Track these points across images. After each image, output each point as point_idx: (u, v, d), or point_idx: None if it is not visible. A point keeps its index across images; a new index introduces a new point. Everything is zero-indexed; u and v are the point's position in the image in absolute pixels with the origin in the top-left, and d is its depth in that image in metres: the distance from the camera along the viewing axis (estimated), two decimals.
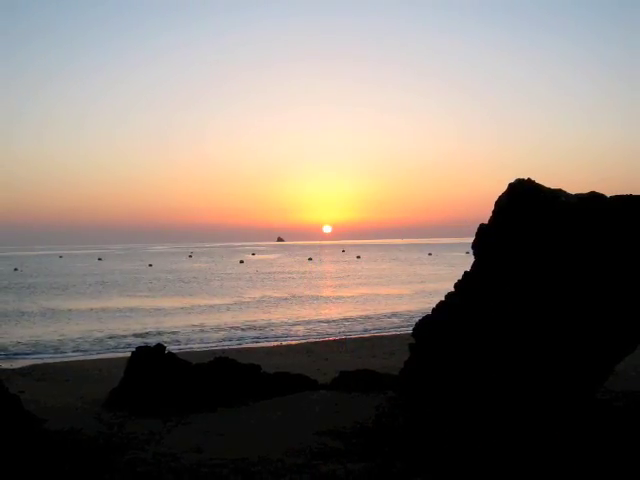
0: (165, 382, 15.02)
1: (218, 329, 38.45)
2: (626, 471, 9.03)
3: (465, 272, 13.02)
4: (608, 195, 12.18)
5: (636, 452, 9.77)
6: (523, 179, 12.59)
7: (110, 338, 34.94)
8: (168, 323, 41.39)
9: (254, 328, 38.83)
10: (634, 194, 12.01)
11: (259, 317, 44.39)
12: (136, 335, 35.62)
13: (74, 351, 31.06)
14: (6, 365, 24.70)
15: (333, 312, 47.67)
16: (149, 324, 40.88)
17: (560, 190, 12.52)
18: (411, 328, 13.89)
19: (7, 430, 9.98)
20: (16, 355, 29.62)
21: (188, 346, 31.86)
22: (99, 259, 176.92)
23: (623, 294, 11.66)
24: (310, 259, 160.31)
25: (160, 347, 16.19)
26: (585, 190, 12.36)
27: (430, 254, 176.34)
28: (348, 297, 59.70)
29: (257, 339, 34.60)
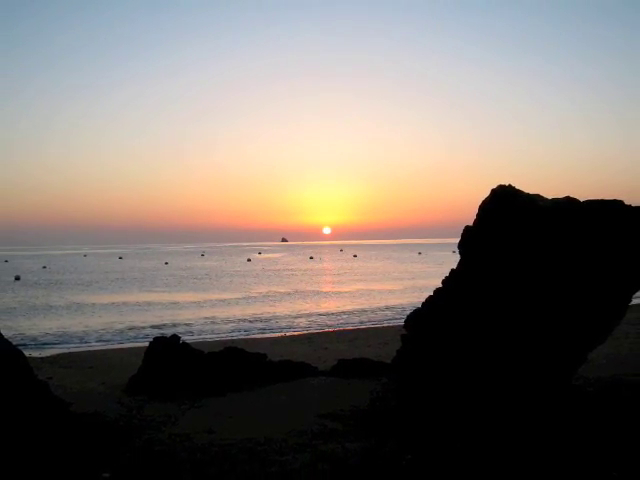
0: (180, 369, 15.03)
1: (228, 321, 38.46)
2: (595, 448, 9.03)
3: (452, 269, 13.01)
4: (582, 199, 12.17)
5: (605, 432, 9.79)
6: (504, 185, 12.58)
7: (130, 329, 34.95)
8: (182, 316, 41.41)
9: (260, 320, 38.84)
10: (605, 199, 12.00)
11: (265, 310, 44.41)
12: (153, 326, 35.62)
13: (97, 341, 31.06)
14: (36, 354, 24.70)
15: (332, 306, 47.68)
16: (165, 316, 40.90)
17: (538, 195, 12.51)
18: (403, 320, 13.88)
19: (37, 412, 9.99)
20: (45, 345, 29.64)
21: (201, 337, 31.85)
22: (120, 258, 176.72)
23: (595, 290, 11.66)
24: (311, 258, 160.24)
25: (175, 337, 16.20)
26: (561, 195, 12.36)
27: (420, 253, 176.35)
28: (345, 292, 59.73)
29: (263, 330, 34.60)
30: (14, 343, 11.37)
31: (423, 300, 13.23)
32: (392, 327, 30.38)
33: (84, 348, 28.22)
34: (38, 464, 8.73)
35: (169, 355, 15.43)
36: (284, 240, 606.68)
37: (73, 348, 28.19)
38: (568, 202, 12.09)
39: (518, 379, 11.48)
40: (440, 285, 13.05)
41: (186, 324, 36.89)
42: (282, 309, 45.23)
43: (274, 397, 13.89)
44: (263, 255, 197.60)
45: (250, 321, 38.48)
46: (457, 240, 12.97)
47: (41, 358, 22.95)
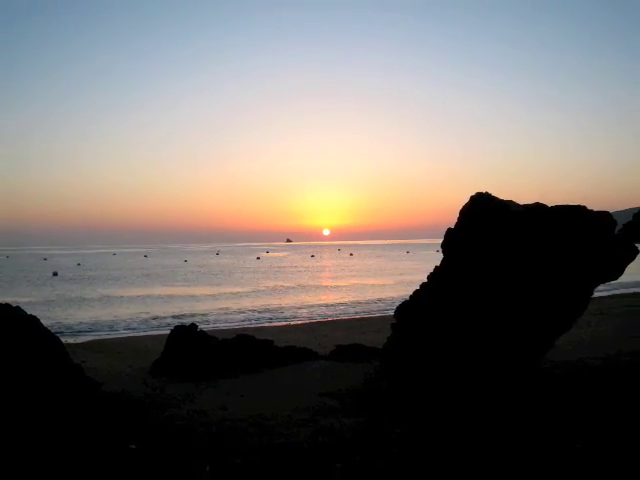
0: (197, 354, 15.03)
1: (239, 312, 38.44)
2: (561, 422, 9.05)
3: (436, 266, 13.02)
4: (549, 205, 12.18)
5: (570, 408, 9.79)
6: (482, 192, 12.59)
7: (154, 319, 34.94)
8: (200, 307, 41.39)
9: (268, 311, 38.82)
10: (569, 204, 12.02)
11: (272, 302, 44.38)
12: (174, 316, 35.59)
13: (125, 329, 31.08)
14: (71, 340, 24.67)
15: (331, 298, 47.64)
16: (184, 308, 40.88)
17: (511, 201, 12.52)
18: (393, 311, 13.88)
19: (73, 392, 10.01)
20: (79, 332, 29.65)
21: (216, 325, 31.82)
22: (145, 256, 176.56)
23: (560, 284, 11.67)
24: (312, 256, 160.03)
25: (193, 326, 16.20)
26: (531, 201, 12.37)
27: (408, 252, 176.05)
28: (343, 286, 59.67)
29: (270, 320, 34.57)
30: (52, 331, 11.38)
31: (411, 293, 13.24)
32: (383, 317, 30.32)
33: (113, 335, 28.23)
34: (73, 436, 8.74)
35: (188, 341, 15.43)
36: (289, 241, 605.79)
37: (104, 335, 28.22)
38: (537, 207, 12.10)
39: (493, 362, 11.49)
40: (425, 280, 13.07)
41: (203, 314, 36.87)
42: (287, 301, 45.20)
43: (280, 378, 13.89)
44: (270, 254, 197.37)
45: (259, 312, 38.45)
46: (441, 240, 12.98)
47: (76, 344, 22.93)
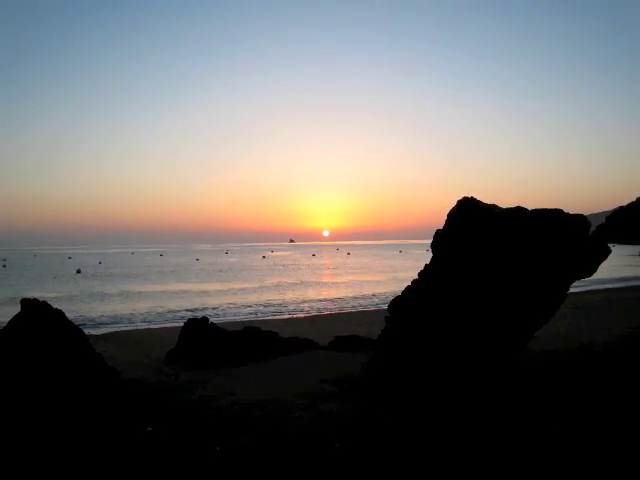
0: (208, 344, 15.05)
1: (246, 306, 38.45)
2: (541, 408, 9.05)
3: (426, 264, 13.01)
4: (529, 208, 12.17)
5: (549, 395, 9.80)
6: (468, 197, 12.58)
7: (168, 312, 34.96)
8: (210, 301, 41.39)
9: (273, 305, 38.83)
10: (548, 208, 12.01)
11: (276, 297, 44.38)
12: (187, 310, 35.61)
13: (142, 322, 31.07)
14: (93, 332, 24.69)
15: (330, 293, 47.62)
16: (196, 302, 40.88)
17: (494, 205, 12.52)
18: (386, 305, 13.87)
19: (96, 379, 10.02)
20: (100, 324, 29.68)
21: (225, 318, 31.80)
22: (160, 255, 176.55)
23: (540, 281, 11.67)
24: (313, 255, 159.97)
25: (205, 319, 16.21)
26: (513, 205, 12.36)
27: (400, 251, 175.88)
28: (341, 283, 59.66)
29: (275, 313, 34.59)
30: (76, 323, 11.39)
31: (403, 289, 13.23)
32: (378, 310, 30.34)
33: (132, 327, 28.23)
34: (96, 418, 8.76)
35: (200, 333, 15.44)
36: (292, 241, 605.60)
37: (123, 327, 28.21)
38: (518, 210, 12.09)
39: (478, 353, 11.49)
40: (416, 277, 13.06)
41: (213, 308, 36.90)
42: (290, 296, 45.19)
43: (284, 366, 13.89)
44: (275, 253, 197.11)
45: (264, 306, 38.47)
46: (430, 241, 12.97)
47: (97, 335, 22.93)
